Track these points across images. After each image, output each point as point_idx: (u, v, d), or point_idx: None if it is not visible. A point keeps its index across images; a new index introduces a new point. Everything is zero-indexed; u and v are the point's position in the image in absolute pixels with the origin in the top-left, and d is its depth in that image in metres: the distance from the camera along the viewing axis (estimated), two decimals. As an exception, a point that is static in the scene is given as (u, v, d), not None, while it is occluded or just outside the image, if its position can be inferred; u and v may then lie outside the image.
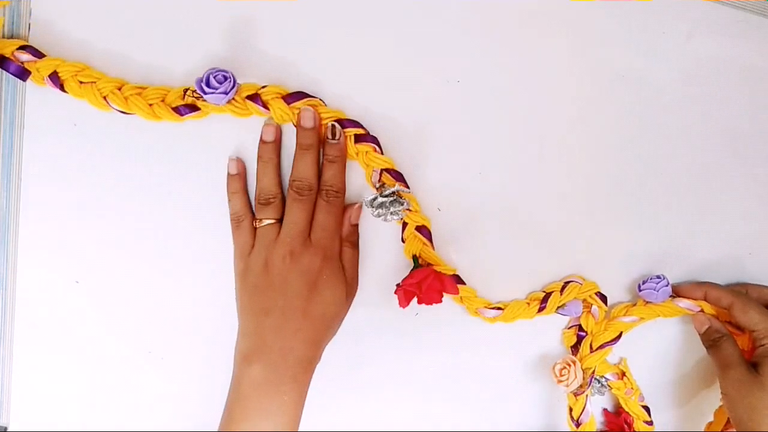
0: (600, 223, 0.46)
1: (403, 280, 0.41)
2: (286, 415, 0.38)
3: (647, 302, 0.46)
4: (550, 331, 0.48)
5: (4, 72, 0.38)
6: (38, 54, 0.37)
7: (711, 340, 0.46)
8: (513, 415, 0.49)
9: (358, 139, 0.41)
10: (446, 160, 0.43)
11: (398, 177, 0.42)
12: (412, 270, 0.42)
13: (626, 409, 0.48)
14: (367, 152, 0.41)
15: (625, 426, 0.48)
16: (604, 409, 0.49)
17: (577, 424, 0.47)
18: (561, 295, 0.45)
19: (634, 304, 0.47)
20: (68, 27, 0.38)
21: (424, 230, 0.43)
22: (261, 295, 0.39)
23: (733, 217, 0.47)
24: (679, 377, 0.50)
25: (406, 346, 0.46)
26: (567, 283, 0.45)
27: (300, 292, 0.39)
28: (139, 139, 0.40)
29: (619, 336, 0.46)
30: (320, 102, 0.40)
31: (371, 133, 0.41)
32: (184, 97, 0.38)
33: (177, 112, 0.39)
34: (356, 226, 0.43)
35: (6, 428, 0.45)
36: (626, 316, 0.46)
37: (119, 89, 0.38)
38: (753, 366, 0.44)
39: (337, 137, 0.40)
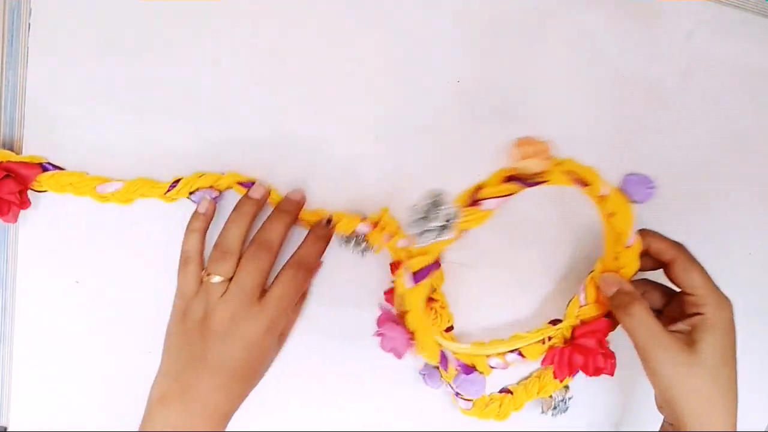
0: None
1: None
2: None
3: (622, 191, 0.39)
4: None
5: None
6: None
7: (622, 306, 0.38)
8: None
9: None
10: (446, 160, 0.43)
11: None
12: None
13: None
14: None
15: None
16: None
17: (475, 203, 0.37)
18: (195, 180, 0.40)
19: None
20: (69, 27, 0.38)
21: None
22: (194, 343, 0.37)
23: (732, 216, 0.47)
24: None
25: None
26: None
27: (233, 356, 0.37)
28: (139, 141, 0.40)
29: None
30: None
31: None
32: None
33: None
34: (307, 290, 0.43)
35: (6, 428, 0.45)
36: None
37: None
38: (674, 333, 0.38)
39: (330, 226, 0.41)
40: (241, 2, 0.39)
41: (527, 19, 0.42)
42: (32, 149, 0.40)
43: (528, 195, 0.43)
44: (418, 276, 0.39)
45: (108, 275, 0.43)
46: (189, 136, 0.41)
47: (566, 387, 0.47)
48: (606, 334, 0.42)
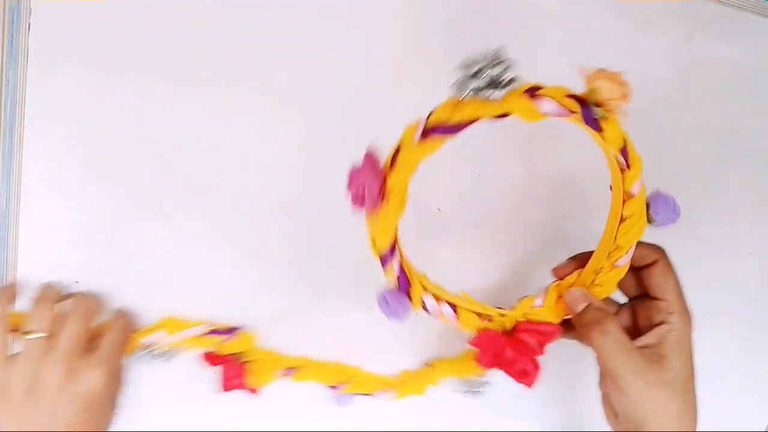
0: (596, 222, 0.46)
1: None
2: None
3: (650, 209, 0.36)
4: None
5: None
6: None
7: (595, 323, 0.35)
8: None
9: None
10: (446, 161, 0.43)
11: None
12: None
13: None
14: None
15: None
16: None
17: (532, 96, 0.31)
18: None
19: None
20: (69, 27, 0.38)
21: None
22: (20, 420, 0.33)
23: (732, 216, 0.47)
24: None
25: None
26: None
27: (73, 420, 0.34)
28: (138, 141, 0.40)
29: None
30: None
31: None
32: None
33: None
34: None
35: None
36: None
37: None
38: (642, 349, 0.36)
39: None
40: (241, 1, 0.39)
41: (527, 19, 0.42)
42: (32, 149, 0.40)
43: (522, 190, 0.43)
44: (432, 131, 0.31)
45: (108, 275, 0.43)
46: (184, 135, 0.41)
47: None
48: (549, 341, 0.39)
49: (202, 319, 0.43)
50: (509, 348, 0.39)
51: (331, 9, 0.40)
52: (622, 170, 0.34)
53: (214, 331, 0.43)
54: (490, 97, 0.29)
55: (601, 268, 0.37)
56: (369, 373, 0.46)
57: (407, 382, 0.46)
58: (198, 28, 0.39)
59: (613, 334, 0.35)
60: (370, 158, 0.33)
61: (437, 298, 0.38)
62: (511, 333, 0.40)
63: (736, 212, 0.47)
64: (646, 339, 0.36)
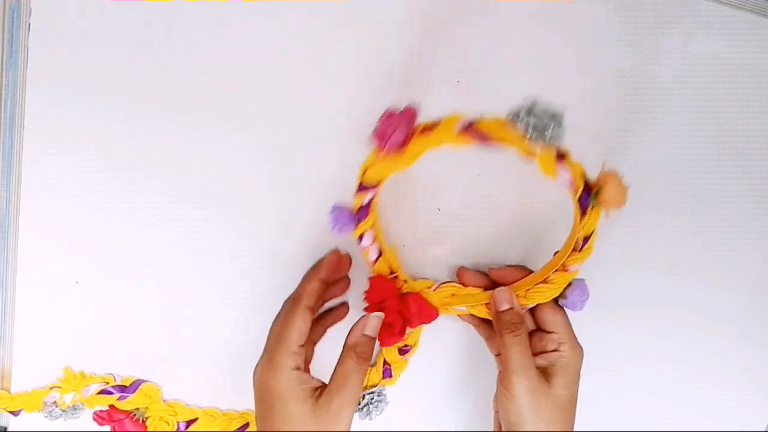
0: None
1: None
2: None
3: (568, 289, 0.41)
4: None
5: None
6: None
7: (513, 324, 0.39)
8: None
9: None
10: (447, 161, 0.43)
11: None
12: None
13: None
14: None
15: None
16: None
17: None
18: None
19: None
20: (68, 27, 0.38)
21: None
22: None
23: (732, 216, 0.47)
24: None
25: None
26: None
27: None
28: (138, 141, 0.40)
29: None
30: None
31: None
32: None
33: None
34: None
35: (6, 428, 0.45)
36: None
37: None
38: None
39: None
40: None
41: (527, 19, 0.42)
42: (32, 150, 0.40)
43: (522, 191, 0.43)
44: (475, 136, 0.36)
45: (108, 275, 0.43)
46: (184, 136, 0.41)
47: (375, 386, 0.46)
48: (422, 318, 0.41)
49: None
50: (395, 301, 0.41)
51: (326, 20, 0.40)
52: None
53: (104, 391, 0.44)
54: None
55: (556, 270, 0.40)
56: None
57: None
58: (199, 29, 0.39)
59: (522, 338, 0.39)
60: (411, 111, 0.37)
61: (378, 242, 0.41)
62: (404, 297, 0.42)
63: (735, 212, 0.47)
64: (540, 361, 0.40)
